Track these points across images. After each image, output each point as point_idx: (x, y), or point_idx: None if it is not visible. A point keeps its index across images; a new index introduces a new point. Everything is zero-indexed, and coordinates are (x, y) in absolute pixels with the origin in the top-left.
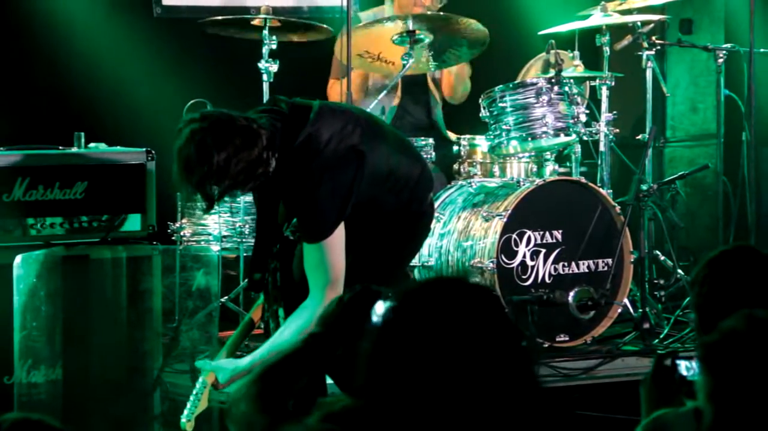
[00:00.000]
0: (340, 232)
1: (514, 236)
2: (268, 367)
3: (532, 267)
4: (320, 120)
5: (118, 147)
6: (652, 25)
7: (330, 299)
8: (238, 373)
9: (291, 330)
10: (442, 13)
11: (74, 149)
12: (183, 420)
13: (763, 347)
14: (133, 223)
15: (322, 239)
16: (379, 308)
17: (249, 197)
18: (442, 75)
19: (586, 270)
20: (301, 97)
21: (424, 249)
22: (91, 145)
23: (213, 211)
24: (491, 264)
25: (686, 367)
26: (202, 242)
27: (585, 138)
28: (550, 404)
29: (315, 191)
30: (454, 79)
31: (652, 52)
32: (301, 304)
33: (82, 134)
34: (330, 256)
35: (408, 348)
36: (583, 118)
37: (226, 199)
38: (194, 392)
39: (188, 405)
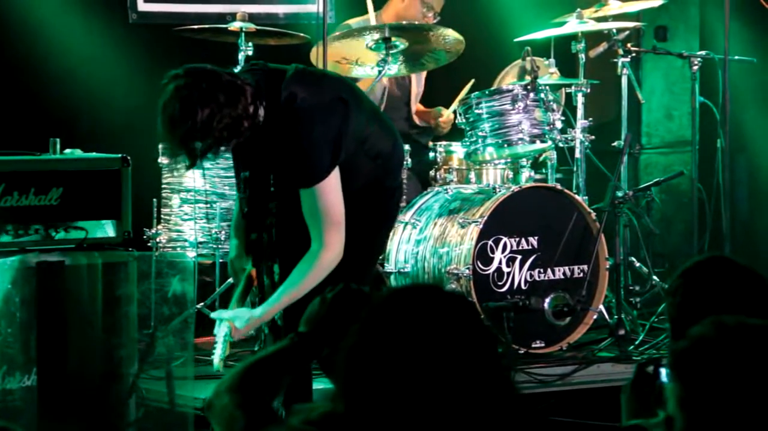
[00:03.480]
0: (335, 176)
1: (490, 242)
2: (252, 363)
3: (508, 274)
4: (301, 75)
5: (94, 153)
6: (627, 32)
7: (334, 243)
8: (255, 320)
9: (300, 275)
10: (416, 22)
11: (49, 155)
12: (216, 361)
13: (732, 353)
14: (102, 230)
15: (319, 181)
16: None
17: (225, 203)
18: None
19: (562, 277)
20: None
21: (401, 255)
22: (67, 151)
23: (197, 167)
24: (467, 271)
25: (668, 374)
26: (178, 249)
27: (561, 145)
28: (525, 410)
29: (308, 136)
30: (447, 125)
31: (628, 60)
32: (308, 251)
33: (58, 140)
34: (329, 199)
35: (384, 355)
36: (558, 125)
37: (209, 157)
38: (222, 335)
39: (218, 349)
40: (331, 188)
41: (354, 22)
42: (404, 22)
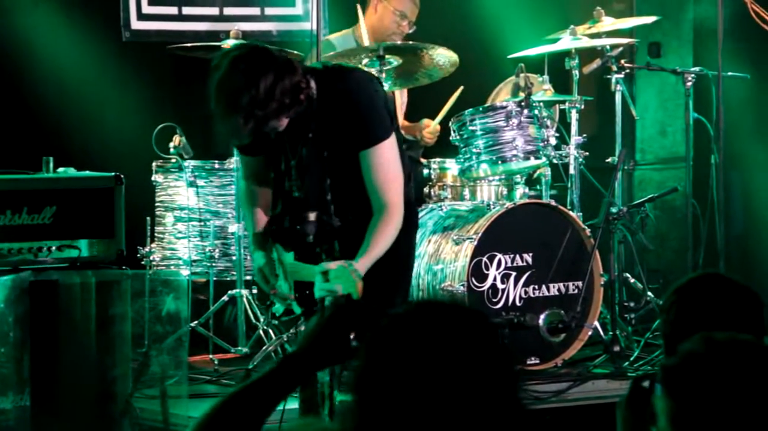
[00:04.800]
0: (393, 135)
1: (484, 259)
2: (231, 396)
3: (503, 290)
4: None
5: (87, 172)
6: (620, 48)
7: (398, 203)
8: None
9: (377, 235)
10: (411, 42)
11: (43, 174)
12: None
13: (721, 369)
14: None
15: (384, 138)
16: None
17: (219, 221)
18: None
19: (557, 293)
20: None
21: None
22: (60, 170)
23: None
24: (462, 287)
25: (659, 390)
26: (172, 267)
27: (555, 161)
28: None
29: (366, 100)
30: (432, 136)
31: (621, 76)
32: (375, 216)
33: (51, 158)
34: (392, 154)
35: (400, 372)
36: (552, 141)
37: (269, 127)
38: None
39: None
40: (393, 145)
41: (334, 37)
42: (399, 43)
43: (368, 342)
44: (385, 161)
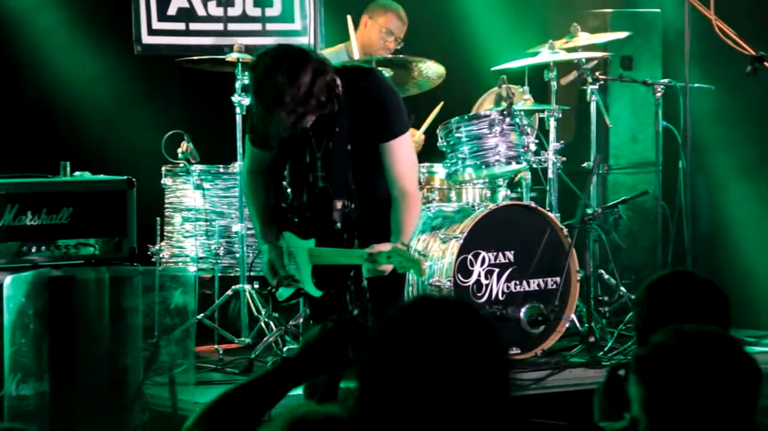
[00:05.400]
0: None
1: (469, 256)
2: (231, 392)
3: (487, 285)
4: None
5: (101, 175)
6: (595, 61)
7: (416, 189)
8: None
9: (404, 218)
10: (401, 56)
11: (60, 178)
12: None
13: (690, 358)
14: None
15: (407, 130)
16: None
17: (224, 221)
18: None
19: (537, 288)
20: None
21: None
22: (76, 173)
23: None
24: (448, 283)
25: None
26: (180, 264)
27: (534, 166)
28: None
29: (390, 96)
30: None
31: (596, 87)
32: (397, 200)
33: (68, 163)
34: (410, 146)
35: (403, 360)
36: (532, 147)
37: (302, 124)
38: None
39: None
40: (410, 138)
41: (328, 52)
42: (391, 56)
43: (375, 332)
44: (406, 152)
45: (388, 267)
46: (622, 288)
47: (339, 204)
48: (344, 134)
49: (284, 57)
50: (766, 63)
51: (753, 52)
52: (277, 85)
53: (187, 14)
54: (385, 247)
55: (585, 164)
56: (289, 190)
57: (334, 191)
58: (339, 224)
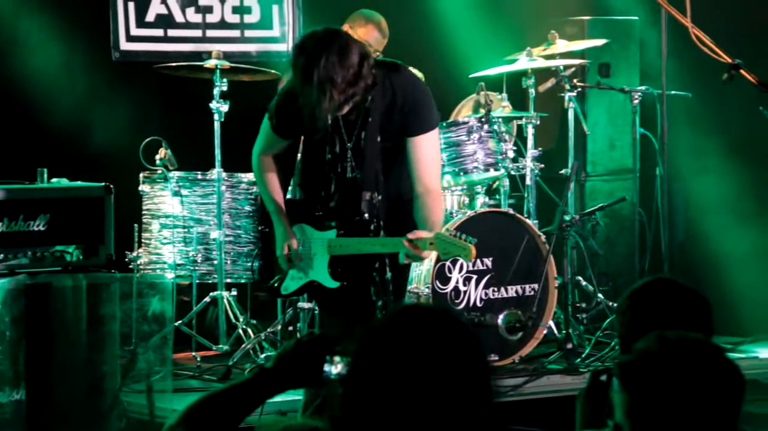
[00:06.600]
0: None
1: (447, 263)
2: (208, 397)
3: (465, 292)
4: None
5: (79, 182)
6: (573, 68)
7: (439, 184)
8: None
9: (440, 208)
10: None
11: (37, 184)
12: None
13: (673, 365)
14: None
15: (437, 126)
16: None
17: (202, 228)
18: None
19: (514, 295)
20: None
21: None
22: (53, 180)
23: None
24: (427, 290)
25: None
26: (158, 270)
27: (513, 173)
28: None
29: (424, 91)
30: None
31: (574, 94)
32: (423, 194)
33: (45, 169)
34: (439, 143)
35: (387, 368)
36: (510, 154)
37: (348, 106)
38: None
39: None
40: (438, 136)
41: None
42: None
43: (359, 341)
44: (433, 149)
45: (428, 254)
46: (600, 295)
47: (367, 195)
48: (375, 126)
49: (333, 37)
50: (742, 71)
51: (729, 60)
52: (329, 65)
53: (165, 21)
54: (426, 234)
55: (563, 171)
56: (311, 181)
57: (364, 182)
58: (367, 215)
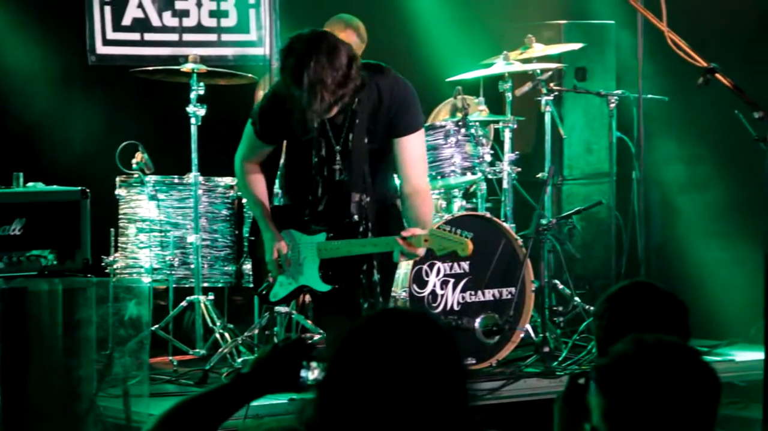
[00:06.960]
0: None
1: (425, 267)
2: (185, 402)
3: (442, 296)
4: None
5: (55, 186)
6: (550, 72)
7: (427, 182)
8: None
9: (424, 208)
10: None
11: (13, 189)
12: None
13: (650, 368)
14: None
15: (422, 127)
16: None
17: (178, 232)
18: None
19: (492, 298)
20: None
21: None
22: (29, 184)
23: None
24: (404, 293)
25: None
26: (134, 275)
27: (490, 176)
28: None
29: (412, 92)
30: None
31: (551, 98)
32: (414, 192)
33: (21, 174)
34: (424, 145)
35: (364, 375)
36: (488, 158)
37: (339, 107)
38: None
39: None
40: (424, 136)
41: None
42: None
43: (338, 343)
44: (419, 149)
45: (423, 251)
46: (577, 298)
47: (356, 197)
48: (363, 128)
49: (321, 39)
50: (717, 75)
51: (705, 64)
52: (319, 66)
53: (142, 24)
54: (420, 231)
55: (540, 175)
56: (296, 185)
57: (352, 184)
58: (356, 217)
